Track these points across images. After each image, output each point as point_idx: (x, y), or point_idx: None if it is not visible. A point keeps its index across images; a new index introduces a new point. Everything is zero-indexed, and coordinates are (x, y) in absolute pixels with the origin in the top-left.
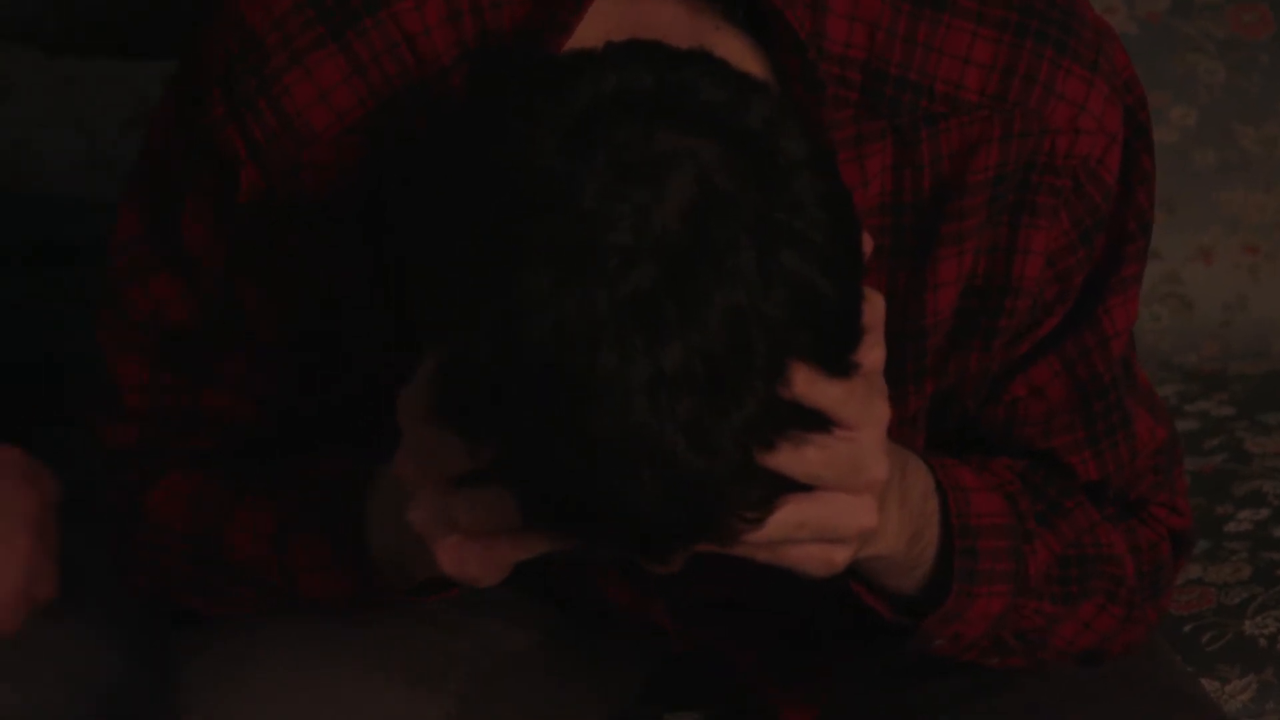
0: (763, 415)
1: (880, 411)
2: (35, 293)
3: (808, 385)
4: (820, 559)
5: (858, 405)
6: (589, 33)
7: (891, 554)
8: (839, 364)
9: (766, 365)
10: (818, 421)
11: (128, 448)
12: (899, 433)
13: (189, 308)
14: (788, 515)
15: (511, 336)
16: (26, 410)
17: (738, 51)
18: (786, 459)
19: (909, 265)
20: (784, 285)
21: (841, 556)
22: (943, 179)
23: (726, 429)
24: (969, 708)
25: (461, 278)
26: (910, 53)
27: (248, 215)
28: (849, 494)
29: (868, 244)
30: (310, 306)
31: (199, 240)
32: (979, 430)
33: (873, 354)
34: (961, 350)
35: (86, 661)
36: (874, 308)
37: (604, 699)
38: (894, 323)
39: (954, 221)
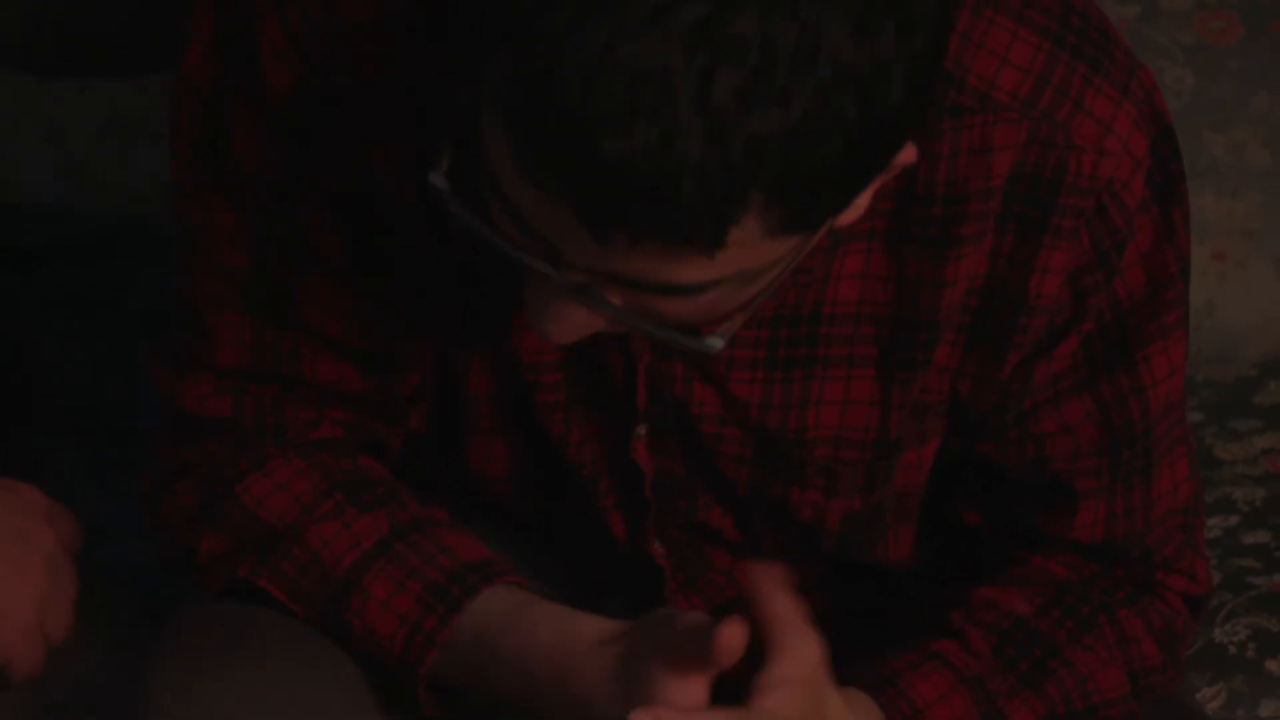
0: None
1: None
2: (3, 299)
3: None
4: None
5: None
6: None
7: None
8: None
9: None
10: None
11: (218, 417)
12: (897, 417)
13: (254, 234)
14: None
15: None
16: None
17: None
18: None
19: (918, 255)
20: None
21: None
22: (957, 175)
23: (803, 88)
24: None
25: None
26: None
27: (293, 115)
28: None
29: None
30: (364, 219)
31: (251, 153)
32: (1005, 468)
33: (770, 696)
34: (977, 358)
35: (60, 666)
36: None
37: None
38: (904, 309)
39: (976, 223)
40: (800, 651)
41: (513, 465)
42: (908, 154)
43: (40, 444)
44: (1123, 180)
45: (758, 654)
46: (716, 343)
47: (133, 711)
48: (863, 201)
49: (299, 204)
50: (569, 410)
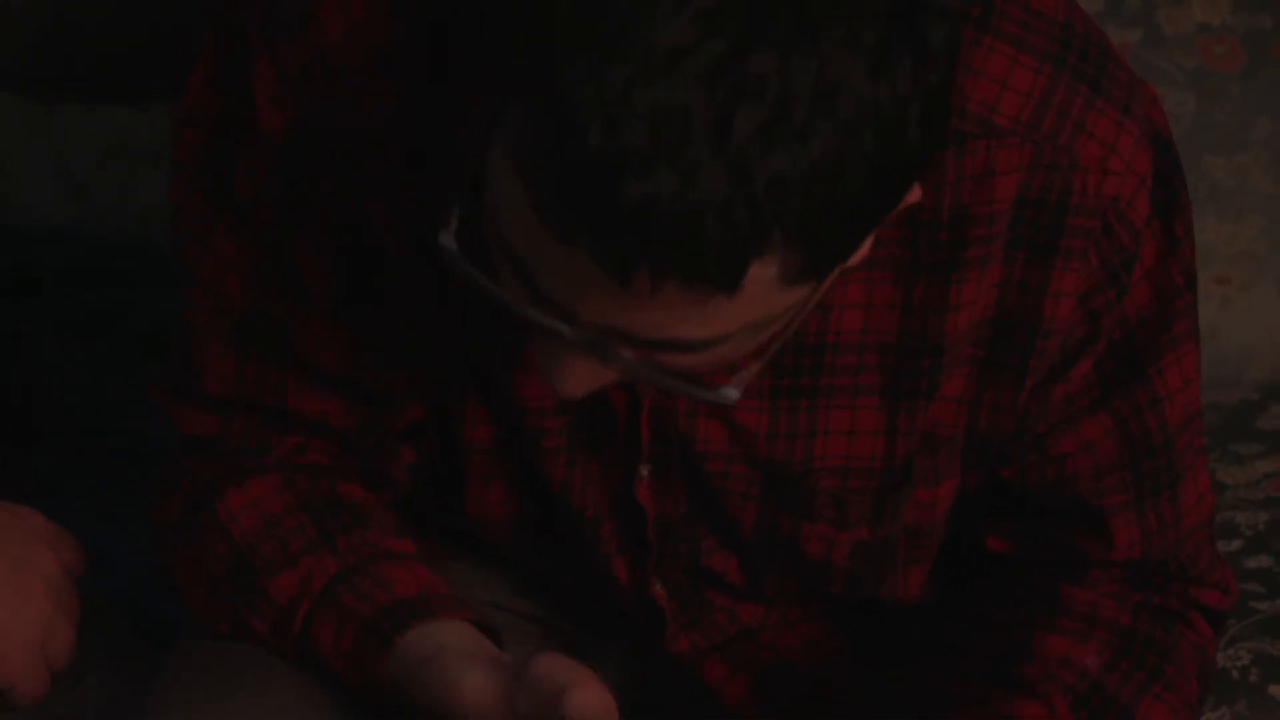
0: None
1: None
2: (7, 321)
3: None
4: None
5: None
6: None
7: None
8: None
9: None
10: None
11: (207, 436)
12: (904, 445)
13: (249, 267)
14: None
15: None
16: None
17: None
18: None
19: (925, 280)
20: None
21: None
22: (961, 200)
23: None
24: None
25: None
26: None
27: (287, 154)
28: None
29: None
30: (356, 256)
31: (249, 186)
32: (1027, 490)
33: None
34: (994, 387)
35: (59, 688)
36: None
37: None
38: (909, 336)
39: (980, 247)
40: None
41: (511, 510)
42: (914, 194)
43: (41, 466)
44: (1127, 198)
45: None
46: (731, 393)
47: None
48: (867, 243)
49: (295, 240)
50: (571, 454)
